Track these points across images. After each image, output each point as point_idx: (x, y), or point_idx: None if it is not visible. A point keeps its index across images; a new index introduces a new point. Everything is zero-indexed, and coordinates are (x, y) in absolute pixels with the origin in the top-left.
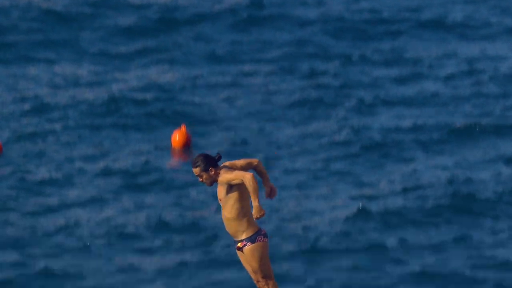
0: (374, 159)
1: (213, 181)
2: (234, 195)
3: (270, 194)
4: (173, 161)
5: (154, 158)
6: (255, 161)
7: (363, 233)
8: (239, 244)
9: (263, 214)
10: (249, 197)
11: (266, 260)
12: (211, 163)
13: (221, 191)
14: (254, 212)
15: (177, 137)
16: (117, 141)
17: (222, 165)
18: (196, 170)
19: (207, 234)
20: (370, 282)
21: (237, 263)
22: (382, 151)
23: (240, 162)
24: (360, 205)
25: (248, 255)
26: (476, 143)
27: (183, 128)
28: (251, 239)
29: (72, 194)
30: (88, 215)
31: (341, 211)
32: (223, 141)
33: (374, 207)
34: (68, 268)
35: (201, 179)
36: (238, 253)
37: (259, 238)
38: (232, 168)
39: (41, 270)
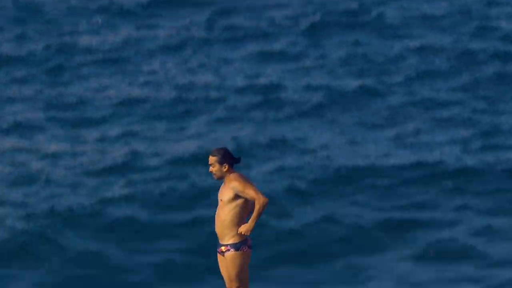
0: None
1: (221, 177)
2: (238, 202)
3: (242, 230)
4: None
5: None
6: (264, 198)
7: (364, 8)
8: (222, 248)
9: (248, 234)
10: (249, 209)
11: (245, 270)
12: (229, 160)
13: (226, 193)
14: (245, 228)
15: None
16: None
17: (238, 172)
18: (212, 158)
19: (211, 9)
20: (371, 57)
21: (237, 40)
22: None
23: (254, 186)
24: None
25: (228, 261)
26: None
27: None
28: (236, 246)
29: None
30: None
31: None
32: None
33: None
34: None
35: (212, 169)
36: (219, 256)
37: (244, 248)
38: (248, 182)
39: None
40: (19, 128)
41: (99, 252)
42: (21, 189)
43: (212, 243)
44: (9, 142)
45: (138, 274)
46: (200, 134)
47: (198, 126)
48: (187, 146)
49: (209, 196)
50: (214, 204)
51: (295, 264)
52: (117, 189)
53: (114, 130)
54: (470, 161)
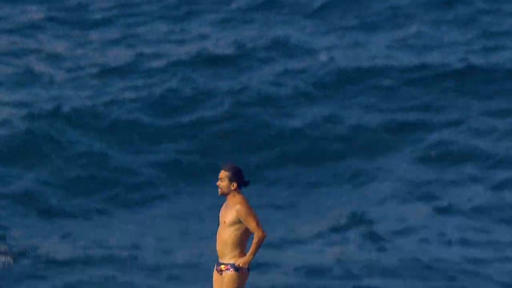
0: None
1: (226, 194)
2: (240, 226)
3: (240, 263)
4: None
5: None
6: (263, 233)
7: None
8: (222, 266)
9: (246, 267)
10: (249, 235)
11: None
12: (238, 180)
13: (229, 214)
14: (243, 261)
15: None
16: None
17: (244, 196)
18: (223, 173)
19: None
20: None
21: None
22: None
23: (256, 218)
24: None
25: (225, 279)
26: None
27: None
28: (235, 267)
29: None
30: None
31: None
32: None
33: None
34: None
35: (220, 183)
36: (215, 274)
37: (243, 270)
38: (252, 212)
39: None
40: (22, 29)
41: (102, 152)
42: (25, 90)
43: (214, 144)
44: (12, 42)
45: (140, 175)
46: (202, 36)
47: (201, 28)
48: (190, 48)
49: (211, 98)
50: (216, 105)
51: (296, 164)
52: (120, 91)
53: (116, 32)
54: (473, 61)
